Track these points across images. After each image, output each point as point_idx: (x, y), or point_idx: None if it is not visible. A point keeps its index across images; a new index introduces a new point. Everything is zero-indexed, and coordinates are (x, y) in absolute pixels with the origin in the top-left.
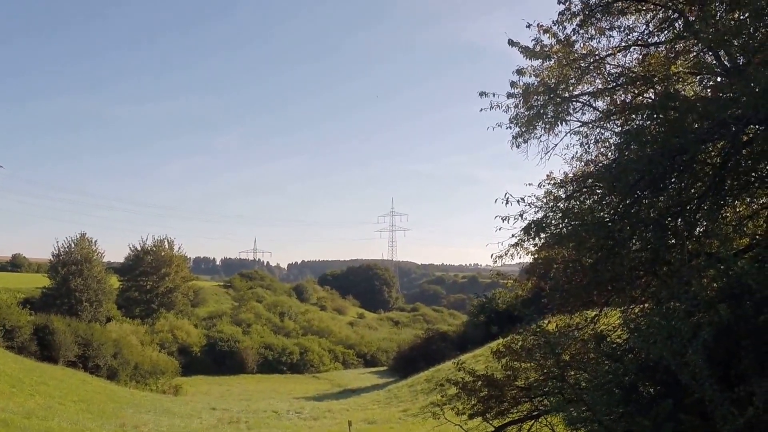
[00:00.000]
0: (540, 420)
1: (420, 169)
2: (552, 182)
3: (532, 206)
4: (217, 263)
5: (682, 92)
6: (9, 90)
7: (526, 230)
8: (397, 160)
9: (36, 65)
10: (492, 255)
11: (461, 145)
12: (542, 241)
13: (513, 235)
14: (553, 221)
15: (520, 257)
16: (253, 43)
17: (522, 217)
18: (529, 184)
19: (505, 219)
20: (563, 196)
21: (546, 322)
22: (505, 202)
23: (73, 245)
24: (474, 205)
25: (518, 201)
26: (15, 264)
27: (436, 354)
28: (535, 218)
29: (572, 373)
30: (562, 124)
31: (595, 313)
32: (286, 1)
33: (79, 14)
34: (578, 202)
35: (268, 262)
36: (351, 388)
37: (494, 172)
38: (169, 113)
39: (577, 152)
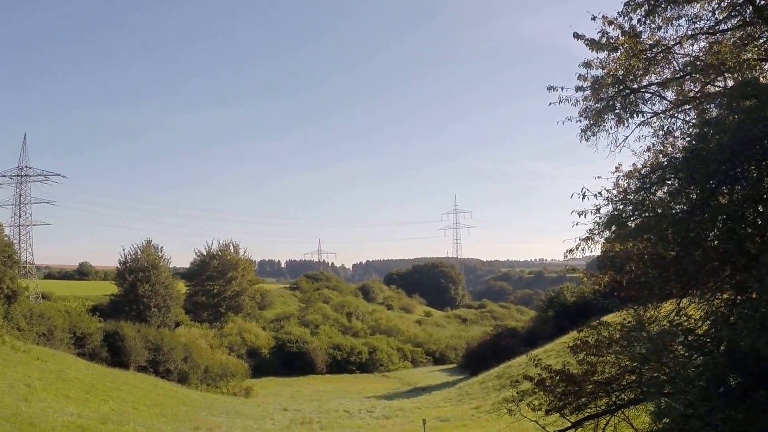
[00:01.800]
0: (617, 414)
1: (481, 166)
2: (622, 175)
3: (610, 200)
4: (282, 265)
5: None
6: (67, 99)
7: (607, 224)
8: (458, 158)
9: (94, 73)
10: (565, 250)
11: (523, 141)
12: (614, 234)
13: (589, 230)
14: (624, 214)
15: (591, 251)
16: (307, 47)
17: (599, 211)
18: (599, 177)
19: (581, 214)
20: (633, 188)
21: (621, 315)
22: (581, 196)
23: (139, 252)
24: (537, 200)
25: (595, 195)
26: (82, 272)
27: (505, 350)
28: (611, 212)
29: (649, 366)
30: (632, 115)
31: (673, 305)
32: (337, 2)
33: (133, 21)
34: (650, 194)
35: (332, 263)
36: (421, 387)
37: (557, 167)
38: (225, 119)
39: (649, 143)
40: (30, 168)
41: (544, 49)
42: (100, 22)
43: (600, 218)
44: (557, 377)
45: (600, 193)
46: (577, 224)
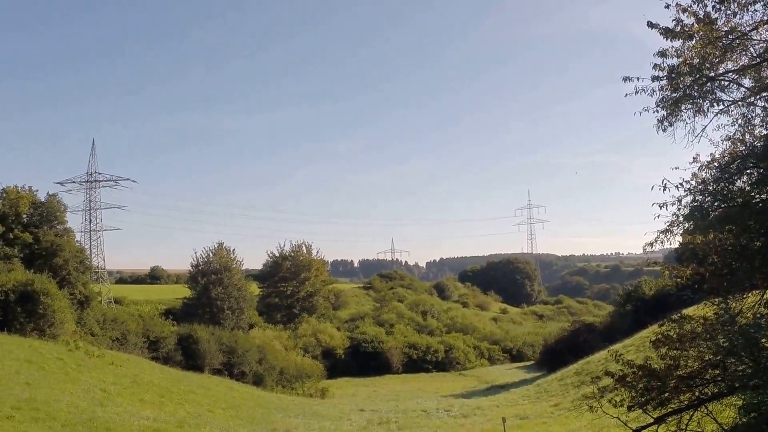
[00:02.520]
0: (700, 409)
1: (554, 161)
2: (700, 165)
3: (690, 191)
4: (355, 265)
5: None
6: (139, 106)
7: (689, 215)
8: (530, 153)
9: (162, 81)
10: (644, 243)
11: (596, 134)
12: (694, 225)
13: (668, 222)
14: (705, 205)
15: (669, 243)
16: (373, 48)
17: (680, 203)
18: (676, 168)
19: (662, 206)
20: (712, 178)
21: (701, 308)
22: (662, 188)
23: (211, 255)
24: (612, 193)
25: (677, 186)
26: (154, 276)
27: (583, 346)
28: (690, 203)
29: (734, 360)
30: (711, 104)
31: (757, 297)
32: (399, 3)
33: (201, 30)
34: (730, 184)
35: (406, 262)
36: (498, 384)
37: (631, 160)
38: (294, 120)
39: (729, 132)
40: (99, 173)
41: (614, 40)
42: (169, 31)
43: (679, 209)
44: (639, 372)
45: (681, 184)
46: (658, 216)
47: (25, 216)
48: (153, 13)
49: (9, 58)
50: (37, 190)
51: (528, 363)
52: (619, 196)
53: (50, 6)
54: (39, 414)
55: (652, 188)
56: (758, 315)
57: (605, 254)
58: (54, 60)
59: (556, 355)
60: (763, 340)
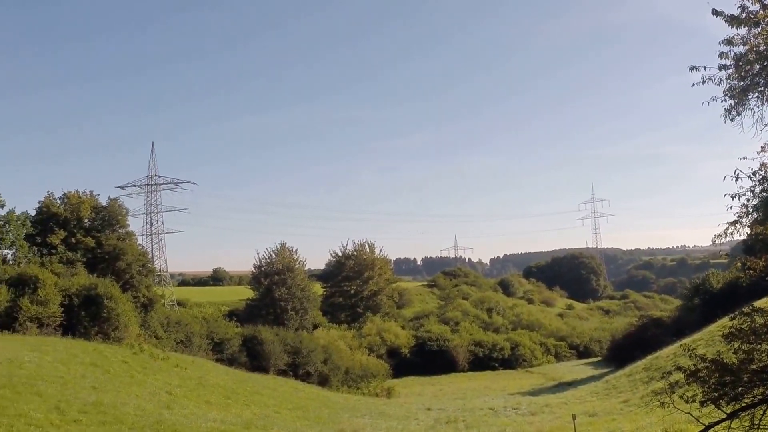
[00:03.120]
0: None
1: (617, 153)
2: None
3: (763, 180)
4: (418, 263)
5: None
6: (198, 111)
7: (763, 205)
8: (593, 146)
9: (223, 85)
10: (713, 235)
11: (659, 125)
12: (763, 215)
13: (737, 213)
14: None
15: (739, 234)
16: (446, 44)
17: (752, 192)
18: (744, 158)
19: (735, 196)
20: None
21: None
22: (734, 178)
23: (274, 255)
24: (677, 185)
25: (749, 176)
26: (216, 278)
27: (651, 341)
28: (759, 193)
29: None
30: None
31: None
32: (464, 5)
33: (265, 37)
34: None
35: (469, 258)
36: (566, 381)
37: (696, 151)
38: (357, 120)
39: None
40: (160, 176)
41: (680, 29)
42: (230, 38)
43: (749, 200)
44: (712, 367)
45: (754, 173)
46: (731, 207)
47: (87, 220)
48: (220, 17)
49: (72, 65)
50: (98, 195)
51: (595, 359)
52: (685, 188)
53: (114, 16)
54: (106, 417)
55: (724, 179)
56: None
57: (671, 247)
58: (118, 66)
59: (623, 351)
60: None
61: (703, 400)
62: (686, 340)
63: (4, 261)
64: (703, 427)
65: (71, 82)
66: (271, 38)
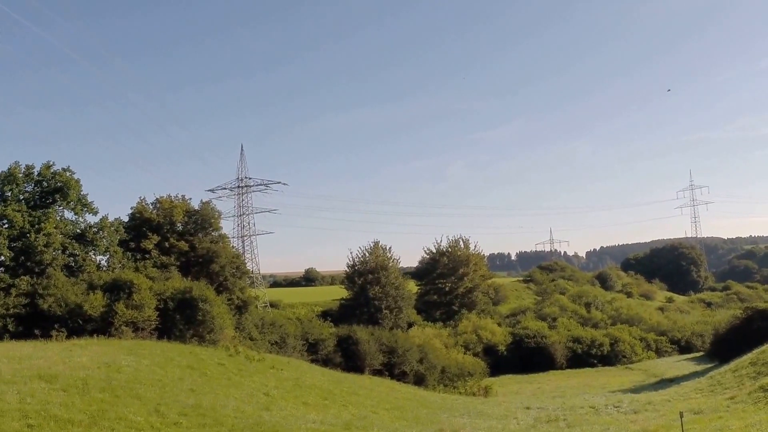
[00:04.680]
0: None
1: (715, 136)
2: None
3: None
4: (512, 258)
5: None
6: (293, 112)
7: None
8: (689, 130)
9: (312, 85)
10: None
11: (755, 104)
12: None
13: None
14: None
15: None
16: (533, 39)
17: None
18: None
19: None
20: None
21: None
22: None
23: (367, 254)
24: None
25: None
26: (308, 278)
27: (757, 334)
28: None
29: None
30: None
31: None
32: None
33: (364, 33)
34: None
35: (565, 252)
36: (668, 378)
37: None
38: (443, 115)
39: None
40: (250, 179)
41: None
42: (320, 37)
43: None
44: None
45: None
46: None
47: (179, 224)
48: (309, 17)
49: (161, 73)
50: (190, 199)
51: (697, 354)
52: None
53: (199, 24)
54: (206, 420)
55: None
56: None
57: None
58: (205, 72)
59: (727, 345)
60: None
61: None
62: None
63: (99, 267)
64: None
65: (158, 90)
66: (360, 36)
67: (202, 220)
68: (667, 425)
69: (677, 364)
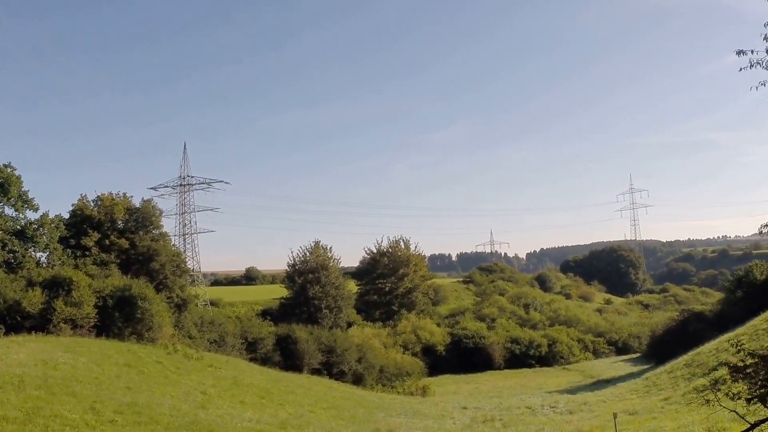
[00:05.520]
0: None
1: (656, 140)
2: None
3: None
4: (453, 259)
5: None
6: (234, 111)
7: None
8: (629, 134)
9: (258, 85)
10: (760, 225)
11: (699, 111)
12: None
13: None
14: None
15: None
16: (475, 44)
17: None
18: None
19: None
20: None
21: None
22: None
23: (308, 253)
24: (718, 173)
25: None
26: (249, 277)
27: (692, 336)
28: None
29: None
30: None
31: None
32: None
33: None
34: None
35: (505, 253)
36: (604, 379)
37: (738, 137)
38: (385, 116)
39: None
40: (192, 177)
41: (726, 12)
42: (265, 39)
43: None
44: (760, 363)
45: None
46: None
47: (120, 222)
48: (254, 20)
49: (106, 72)
50: (131, 196)
51: (634, 355)
52: (728, 176)
53: (150, 23)
54: (141, 418)
55: None
56: None
57: (712, 238)
58: (151, 72)
59: (663, 347)
60: None
61: (749, 397)
62: (729, 335)
63: (39, 264)
64: (749, 425)
65: (103, 89)
66: (306, 37)
67: (142, 217)
68: (601, 426)
69: (614, 365)
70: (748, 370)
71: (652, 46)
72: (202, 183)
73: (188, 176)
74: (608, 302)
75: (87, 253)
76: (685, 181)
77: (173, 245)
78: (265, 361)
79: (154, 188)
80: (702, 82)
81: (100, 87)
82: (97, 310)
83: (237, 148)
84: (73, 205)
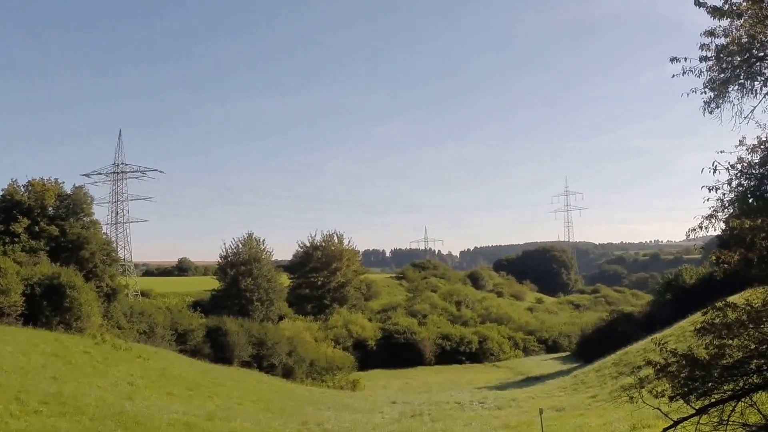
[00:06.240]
0: (744, 400)
1: (593, 145)
2: (746, 148)
3: (740, 174)
4: (387, 255)
5: None
6: (171, 98)
7: (741, 198)
8: (568, 138)
9: (196, 76)
10: (687, 229)
11: (636, 118)
12: (741, 210)
13: (713, 207)
14: (755, 189)
15: (714, 229)
16: (416, 42)
17: (730, 185)
18: (721, 152)
19: (712, 189)
20: (758, 161)
21: (746, 295)
22: (712, 170)
23: (240, 246)
24: (652, 179)
25: (727, 169)
26: (181, 268)
27: (621, 336)
28: (735, 187)
29: None
30: (765, 84)
31: None
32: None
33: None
34: None
35: (439, 251)
36: (534, 376)
37: (672, 144)
38: (324, 109)
39: None
40: (126, 165)
41: (662, 21)
42: (205, 29)
43: (724, 194)
44: (683, 362)
45: (732, 165)
46: (707, 199)
47: (51, 209)
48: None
49: (40, 59)
50: (63, 183)
51: (564, 354)
52: (661, 182)
53: (90, 7)
54: (67, 408)
55: (702, 170)
56: None
57: (644, 242)
58: (89, 57)
59: (593, 346)
60: None
61: (672, 395)
62: (657, 336)
63: None
64: (672, 422)
65: (38, 72)
66: (245, 29)
67: (74, 205)
68: (528, 421)
69: (544, 363)
70: (671, 369)
71: (592, 53)
72: (137, 171)
73: (122, 164)
74: (540, 301)
75: (15, 239)
76: (620, 185)
77: (104, 234)
78: (194, 353)
79: (87, 175)
80: (639, 89)
81: (33, 70)
82: (24, 299)
83: (173, 138)
84: (2, 190)
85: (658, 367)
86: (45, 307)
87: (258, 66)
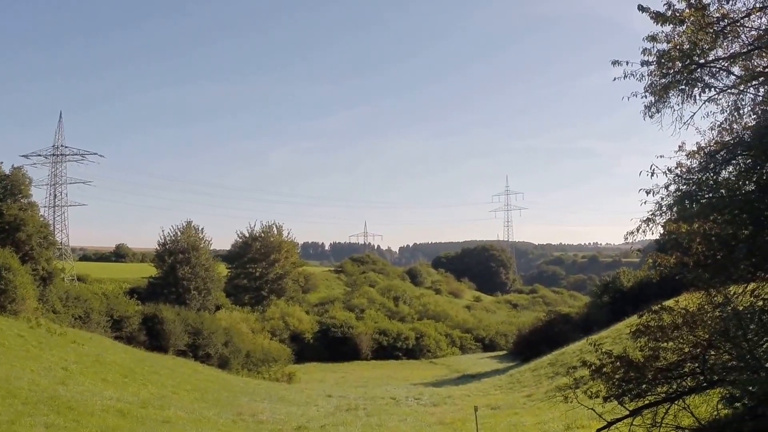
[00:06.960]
0: (677, 402)
1: (535, 145)
2: (685, 154)
3: (679, 179)
4: (326, 248)
5: None
6: (112, 83)
7: (678, 202)
8: (511, 138)
9: (137, 57)
10: (625, 232)
11: (579, 120)
12: (678, 215)
13: (651, 211)
14: (692, 193)
15: (651, 233)
16: (359, 33)
17: (668, 189)
18: (661, 156)
19: (650, 192)
20: (697, 167)
21: (683, 299)
22: (650, 174)
23: (179, 233)
24: (593, 181)
25: (665, 173)
26: (119, 254)
27: (558, 337)
28: (673, 192)
29: (712, 353)
30: (703, 90)
31: (740, 288)
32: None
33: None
34: (714, 174)
35: (378, 246)
36: (470, 374)
37: (614, 147)
38: (266, 100)
39: (717, 120)
40: (66, 147)
41: (605, 24)
42: (151, 7)
43: (662, 198)
44: (617, 363)
45: (670, 170)
46: (645, 203)
47: None
48: None
49: None
50: (1, 163)
51: (501, 353)
52: (601, 184)
53: None
54: None
55: (640, 174)
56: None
57: (583, 244)
58: (30, 34)
59: (529, 346)
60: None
61: (606, 396)
62: (593, 337)
63: None
64: (606, 423)
65: None
66: (191, 9)
67: (11, 185)
68: (463, 418)
69: (480, 361)
70: (606, 370)
71: (536, 53)
72: (76, 154)
73: (62, 146)
74: (477, 299)
75: None
76: (561, 186)
77: (42, 217)
78: (130, 340)
79: (26, 156)
80: (583, 91)
81: None
82: None
83: (114, 121)
84: None
85: (594, 368)
86: None
87: (197, 51)
